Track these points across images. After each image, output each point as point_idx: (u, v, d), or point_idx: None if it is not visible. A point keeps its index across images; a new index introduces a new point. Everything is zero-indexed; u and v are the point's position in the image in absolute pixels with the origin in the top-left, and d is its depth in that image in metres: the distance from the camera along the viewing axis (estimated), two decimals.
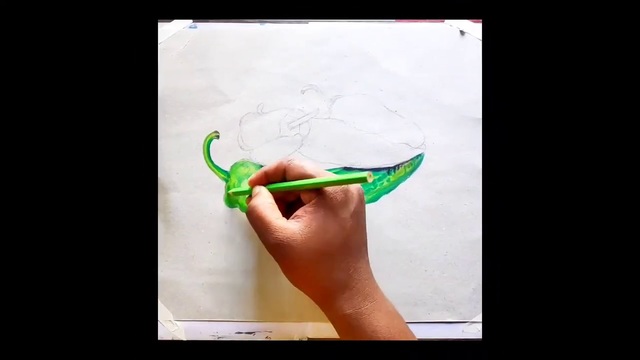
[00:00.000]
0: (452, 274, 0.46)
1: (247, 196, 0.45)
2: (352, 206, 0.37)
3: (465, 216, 0.47)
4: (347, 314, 0.37)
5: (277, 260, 0.38)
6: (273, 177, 0.41)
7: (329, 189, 0.37)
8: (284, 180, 0.40)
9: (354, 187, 0.38)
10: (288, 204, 0.43)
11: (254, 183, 0.42)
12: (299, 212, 0.38)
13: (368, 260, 0.39)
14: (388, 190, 0.47)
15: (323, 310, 0.39)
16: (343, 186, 0.37)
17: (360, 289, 0.37)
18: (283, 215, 0.39)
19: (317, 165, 0.39)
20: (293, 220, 0.37)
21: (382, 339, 0.36)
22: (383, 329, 0.36)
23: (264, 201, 0.39)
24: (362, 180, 0.34)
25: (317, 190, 0.38)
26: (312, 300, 0.39)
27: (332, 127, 0.48)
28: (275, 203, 0.40)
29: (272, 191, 0.41)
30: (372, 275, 0.39)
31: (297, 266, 0.37)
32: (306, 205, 0.38)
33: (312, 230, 0.36)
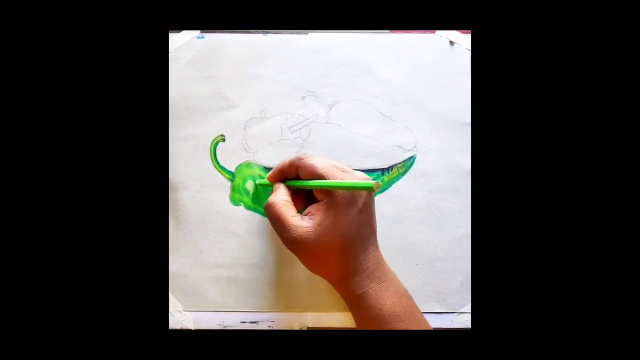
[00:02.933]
0: (442, 268, 0.46)
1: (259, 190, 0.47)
2: (360, 203, 0.38)
3: (454, 214, 0.47)
4: (357, 294, 0.38)
5: (293, 252, 0.38)
6: (288, 174, 0.42)
7: (337, 192, 0.37)
8: (298, 175, 0.41)
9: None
10: (307, 192, 0.44)
11: (272, 179, 0.43)
12: (311, 209, 0.39)
13: (377, 247, 0.40)
14: (382, 190, 0.47)
15: (337, 290, 0.40)
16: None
17: (369, 273, 0.38)
18: (304, 200, 0.42)
19: (327, 162, 0.39)
20: (307, 217, 0.38)
21: (386, 315, 0.37)
22: (388, 307, 0.37)
23: (281, 198, 0.40)
24: (369, 189, 0.34)
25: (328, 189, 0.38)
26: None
27: (330, 131, 0.48)
28: (291, 200, 0.40)
29: (288, 186, 0.42)
30: (381, 260, 0.40)
31: (310, 258, 0.39)
32: (319, 203, 0.38)
33: (324, 228, 0.37)
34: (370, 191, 0.34)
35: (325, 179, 0.38)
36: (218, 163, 0.48)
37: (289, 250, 0.39)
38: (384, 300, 0.38)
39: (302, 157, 0.40)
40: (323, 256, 0.38)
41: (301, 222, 0.38)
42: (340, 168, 0.39)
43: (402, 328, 0.37)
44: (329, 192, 0.38)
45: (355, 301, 0.39)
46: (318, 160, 0.39)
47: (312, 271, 0.40)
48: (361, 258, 0.38)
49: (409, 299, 0.40)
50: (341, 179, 0.37)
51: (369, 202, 0.39)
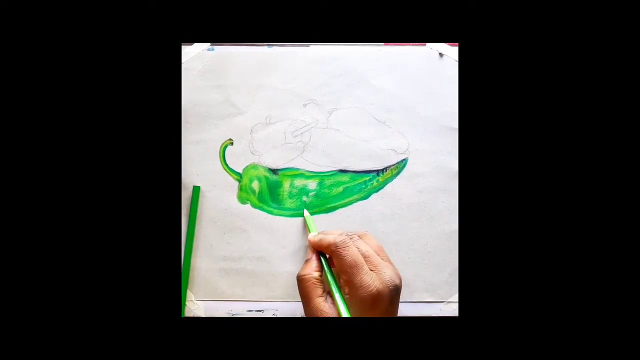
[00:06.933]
0: (431, 261, 0.47)
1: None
2: (382, 306, 0.37)
3: (443, 212, 0.47)
4: None
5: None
6: (324, 250, 0.41)
7: (358, 294, 0.36)
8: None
9: (385, 289, 0.37)
10: None
11: (312, 244, 0.42)
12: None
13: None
14: (377, 189, 0.48)
15: None
16: (372, 291, 0.36)
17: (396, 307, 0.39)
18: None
19: (357, 255, 0.37)
20: (330, 301, 0.38)
21: None
22: None
23: (311, 276, 0.39)
24: None
25: (350, 283, 0.37)
26: None
27: (330, 136, 0.48)
28: (319, 278, 0.39)
29: (321, 259, 0.41)
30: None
31: None
32: (342, 296, 0.38)
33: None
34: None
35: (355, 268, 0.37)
36: (227, 165, 0.48)
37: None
38: None
39: (339, 245, 0.38)
40: None
41: (324, 307, 0.37)
42: (373, 261, 0.38)
43: None
44: (351, 287, 0.37)
45: None
46: (350, 252, 0.37)
47: None
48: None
49: None
50: (362, 279, 0.36)
51: (393, 308, 0.38)
